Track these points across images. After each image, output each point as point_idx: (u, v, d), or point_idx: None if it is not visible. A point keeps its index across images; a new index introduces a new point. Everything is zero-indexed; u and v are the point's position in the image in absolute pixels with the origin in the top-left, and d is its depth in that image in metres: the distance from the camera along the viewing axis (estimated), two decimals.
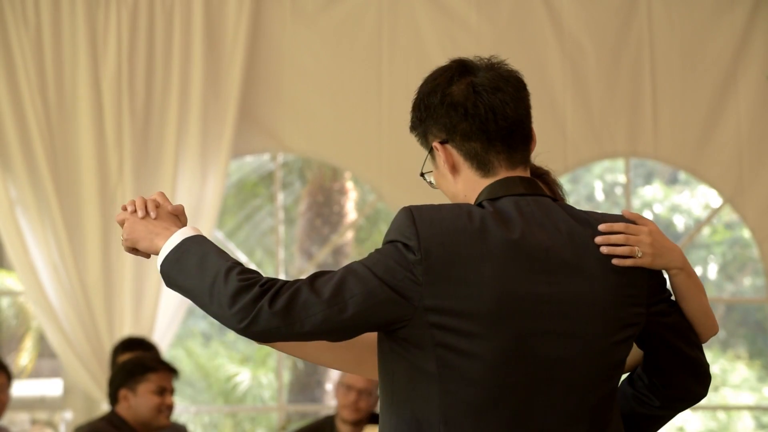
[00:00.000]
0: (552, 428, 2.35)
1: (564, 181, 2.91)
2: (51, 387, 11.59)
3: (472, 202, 2.46)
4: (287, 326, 2.31)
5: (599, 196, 13.84)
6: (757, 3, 6.75)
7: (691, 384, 2.53)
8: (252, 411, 12.77)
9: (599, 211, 2.46)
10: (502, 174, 2.44)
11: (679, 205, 13.70)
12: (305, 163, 11.94)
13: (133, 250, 2.55)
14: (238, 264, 2.38)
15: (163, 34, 6.61)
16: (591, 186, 13.79)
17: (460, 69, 2.48)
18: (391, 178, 6.71)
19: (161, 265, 2.46)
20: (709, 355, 13.85)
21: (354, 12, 6.76)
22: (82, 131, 6.54)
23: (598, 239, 2.38)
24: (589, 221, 2.41)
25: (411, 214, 2.35)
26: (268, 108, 6.76)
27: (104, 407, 6.03)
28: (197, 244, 2.44)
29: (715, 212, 8.13)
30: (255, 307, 2.31)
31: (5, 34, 6.53)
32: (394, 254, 2.34)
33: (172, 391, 5.27)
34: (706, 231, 13.40)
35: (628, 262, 2.38)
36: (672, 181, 13.84)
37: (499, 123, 2.42)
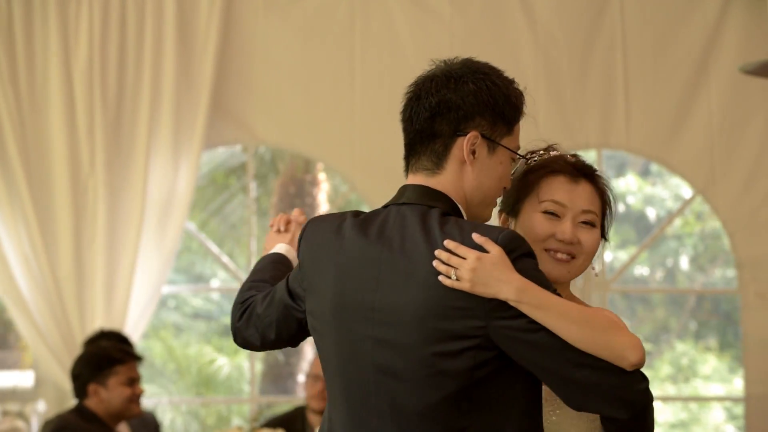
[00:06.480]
0: (386, 430, 2.44)
1: None
2: (23, 378, 11.53)
3: None
4: (252, 339, 2.76)
5: None
6: None
7: (595, 405, 2.39)
8: (225, 402, 12.75)
9: (477, 229, 2.42)
10: (408, 179, 2.58)
11: (652, 196, 13.73)
12: (277, 155, 11.91)
13: None
14: (253, 283, 2.82)
15: (135, 25, 6.59)
16: None
17: (430, 77, 2.58)
18: (363, 169, 6.72)
19: None
20: (681, 346, 13.89)
21: (326, 3, 6.75)
22: (53, 123, 6.52)
23: (435, 253, 2.41)
24: (436, 236, 2.43)
25: (304, 228, 2.63)
26: (241, 99, 6.76)
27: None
28: (258, 263, 2.90)
29: (687, 203, 8.17)
30: (234, 326, 2.78)
31: None
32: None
33: (139, 380, 5.28)
34: (677, 222, 13.44)
35: (447, 282, 2.39)
36: (645, 172, 13.87)
37: (406, 130, 2.58)
